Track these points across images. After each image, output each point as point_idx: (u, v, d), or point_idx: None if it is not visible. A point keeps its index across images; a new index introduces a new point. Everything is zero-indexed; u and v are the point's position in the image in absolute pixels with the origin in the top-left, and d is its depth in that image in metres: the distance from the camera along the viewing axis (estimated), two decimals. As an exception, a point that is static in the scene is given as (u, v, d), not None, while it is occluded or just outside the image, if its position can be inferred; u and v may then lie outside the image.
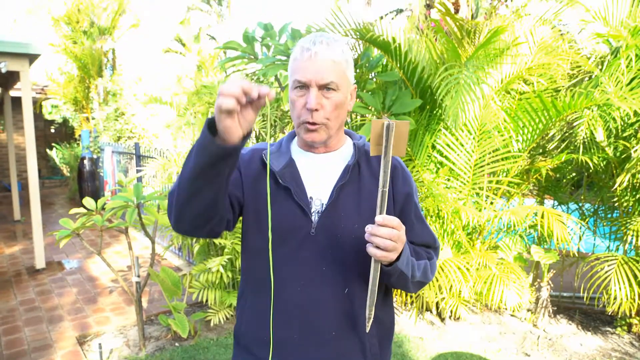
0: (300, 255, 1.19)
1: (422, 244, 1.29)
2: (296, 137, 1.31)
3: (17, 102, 10.12)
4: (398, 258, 1.08)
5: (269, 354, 1.20)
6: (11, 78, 6.79)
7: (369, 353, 1.24)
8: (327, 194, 1.21)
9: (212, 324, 3.75)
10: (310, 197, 1.21)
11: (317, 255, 1.19)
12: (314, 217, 1.20)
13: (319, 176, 1.24)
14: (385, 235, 1.00)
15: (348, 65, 1.17)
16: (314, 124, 1.14)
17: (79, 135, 10.53)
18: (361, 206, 1.21)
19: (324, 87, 1.13)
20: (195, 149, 1.01)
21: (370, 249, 1.02)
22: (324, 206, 1.20)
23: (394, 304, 4.17)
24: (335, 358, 1.21)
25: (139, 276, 3.39)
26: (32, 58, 5.34)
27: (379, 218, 1.01)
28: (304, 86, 1.13)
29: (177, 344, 3.49)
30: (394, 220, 1.01)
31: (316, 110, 1.13)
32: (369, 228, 1.02)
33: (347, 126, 4.18)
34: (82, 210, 3.25)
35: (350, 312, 1.20)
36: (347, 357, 1.22)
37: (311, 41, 1.14)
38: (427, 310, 4.05)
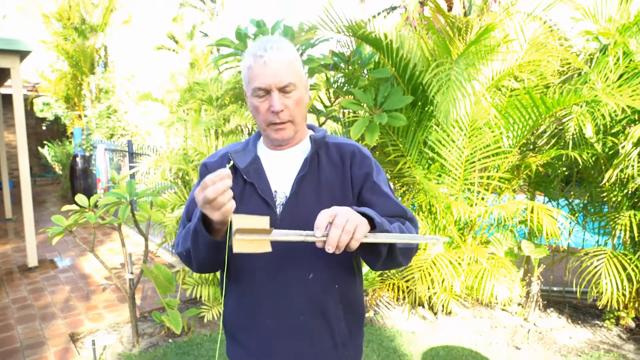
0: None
1: (390, 216, 1.27)
2: (262, 137, 1.38)
3: (7, 99, 10.07)
4: (372, 222, 1.08)
5: (249, 339, 1.30)
6: (1, 75, 6.74)
7: (337, 336, 1.30)
8: (289, 186, 1.27)
9: (205, 320, 3.76)
10: (275, 191, 1.28)
11: (282, 245, 1.19)
12: (279, 209, 1.26)
13: (282, 170, 1.30)
14: (336, 235, 0.99)
15: (298, 62, 1.25)
16: (281, 123, 1.22)
17: (71, 133, 10.48)
18: (321, 195, 1.27)
19: (283, 89, 1.19)
20: (203, 244, 1.14)
21: (349, 245, 1.02)
22: (286, 198, 1.26)
23: (387, 299, 4.21)
24: (307, 341, 1.27)
25: (132, 273, 3.40)
26: (22, 55, 5.32)
27: (318, 234, 1.01)
28: (264, 92, 1.20)
29: (170, 340, 3.50)
30: (323, 216, 1.01)
31: (281, 111, 1.20)
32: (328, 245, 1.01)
33: (339, 123, 4.19)
34: (74, 207, 3.25)
35: (317, 297, 1.26)
36: (318, 341, 1.28)
37: (262, 48, 1.19)
38: (419, 305, 4.09)
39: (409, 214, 1.31)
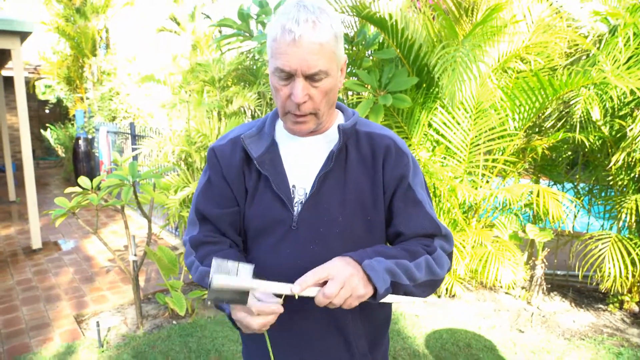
0: (282, 250, 1.11)
1: (421, 235, 1.13)
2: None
3: (9, 81, 10.03)
4: (375, 289, 0.95)
5: (259, 351, 1.19)
6: (2, 57, 6.69)
7: (356, 352, 1.17)
8: (310, 182, 1.11)
9: (209, 302, 3.77)
10: (293, 186, 1.11)
11: (298, 251, 1.10)
12: (297, 208, 1.10)
13: (303, 162, 1.13)
14: (323, 304, 0.92)
15: (337, 42, 1.01)
16: (302, 115, 1.04)
17: (73, 116, 10.45)
18: (346, 196, 1.10)
19: (311, 77, 0.99)
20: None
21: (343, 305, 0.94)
22: (306, 196, 1.10)
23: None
24: (321, 357, 1.16)
25: (135, 255, 3.40)
26: (23, 36, 5.26)
27: (295, 289, 0.91)
28: (287, 75, 0.99)
29: (174, 322, 3.52)
30: (310, 277, 0.92)
31: (304, 102, 1.01)
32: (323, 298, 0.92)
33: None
34: (77, 189, 3.24)
35: (334, 313, 1.12)
36: (332, 357, 1.16)
37: (294, 19, 0.95)
38: (422, 288, 4.09)
39: (443, 230, 1.14)
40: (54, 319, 3.56)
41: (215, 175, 1.18)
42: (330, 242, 1.10)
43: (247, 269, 0.89)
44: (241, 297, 0.89)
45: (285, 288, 0.91)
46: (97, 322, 3.23)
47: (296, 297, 0.93)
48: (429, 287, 1.08)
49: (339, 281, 0.91)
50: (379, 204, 1.12)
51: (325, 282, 0.93)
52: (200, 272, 1.10)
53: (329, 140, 1.14)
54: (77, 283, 4.27)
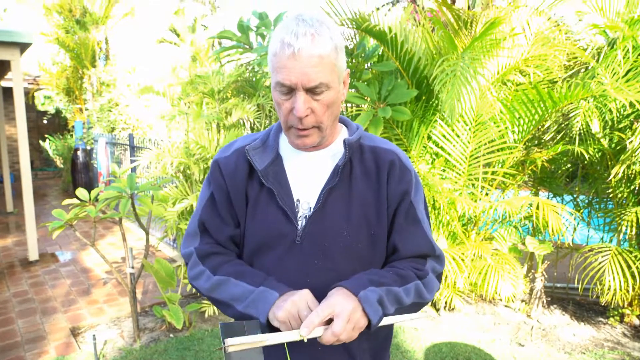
0: (286, 265, 1.10)
1: (415, 255, 1.14)
2: None
3: (8, 92, 10.04)
4: (369, 319, 0.98)
5: None
6: (1, 67, 6.70)
7: None
8: (314, 197, 1.10)
9: (206, 315, 3.74)
10: (297, 200, 1.11)
11: (303, 265, 1.09)
12: (301, 222, 1.10)
13: (307, 176, 1.12)
14: (329, 341, 0.94)
15: (338, 54, 1.01)
16: (304, 129, 1.04)
17: (72, 127, 10.45)
18: (351, 211, 1.10)
19: (312, 90, 0.99)
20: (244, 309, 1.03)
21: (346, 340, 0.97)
22: (311, 210, 1.10)
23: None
24: None
25: (133, 267, 3.37)
26: (23, 47, 5.27)
27: (303, 332, 0.93)
28: (288, 89, 1.00)
29: (171, 335, 3.48)
30: (316, 318, 0.93)
31: (306, 116, 1.01)
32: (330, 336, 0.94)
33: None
34: (75, 201, 3.22)
35: None
36: None
37: (293, 33, 0.96)
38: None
39: (437, 251, 1.17)
40: (49, 332, 3.52)
41: (218, 191, 1.16)
42: (335, 257, 1.09)
43: (254, 324, 0.94)
44: (256, 352, 0.92)
45: (293, 335, 0.92)
46: (94, 335, 3.19)
47: (305, 340, 0.93)
48: (412, 308, 1.10)
49: (344, 318, 0.93)
50: (383, 219, 1.12)
51: (330, 320, 0.94)
52: (215, 282, 1.09)
53: (333, 154, 1.14)
54: (73, 295, 4.23)
